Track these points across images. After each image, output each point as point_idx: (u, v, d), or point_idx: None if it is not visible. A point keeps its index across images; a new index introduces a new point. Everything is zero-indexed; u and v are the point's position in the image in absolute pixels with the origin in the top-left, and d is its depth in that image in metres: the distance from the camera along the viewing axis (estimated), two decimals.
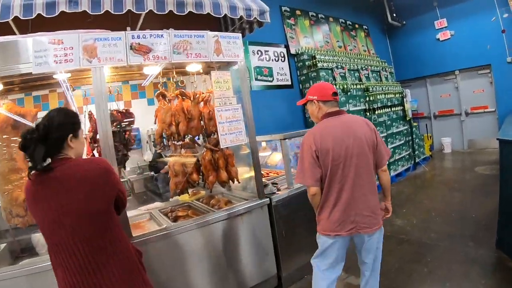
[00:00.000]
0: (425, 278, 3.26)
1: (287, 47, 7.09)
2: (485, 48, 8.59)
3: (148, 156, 5.23)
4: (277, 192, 3.46)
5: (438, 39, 9.54)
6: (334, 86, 6.35)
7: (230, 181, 3.42)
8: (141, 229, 3.06)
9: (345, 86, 6.69)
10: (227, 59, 3.12)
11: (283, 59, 7.02)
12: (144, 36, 2.69)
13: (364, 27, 9.54)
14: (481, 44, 8.65)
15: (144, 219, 3.41)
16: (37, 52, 2.34)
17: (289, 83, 7.06)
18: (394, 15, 9.61)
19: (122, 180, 4.55)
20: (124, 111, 3.43)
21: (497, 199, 3.53)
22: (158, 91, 3.32)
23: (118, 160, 3.17)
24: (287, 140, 3.59)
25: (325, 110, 2.34)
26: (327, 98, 2.34)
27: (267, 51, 6.74)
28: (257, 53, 6.58)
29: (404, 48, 10.40)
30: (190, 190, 3.62)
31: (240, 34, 3.22)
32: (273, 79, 6.77)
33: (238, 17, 3.36)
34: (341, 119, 2.31)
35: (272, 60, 6.83)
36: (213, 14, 3.12)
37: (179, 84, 3.44)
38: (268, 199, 3.31)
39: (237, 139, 3.10)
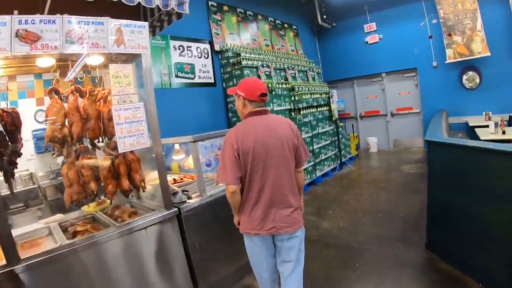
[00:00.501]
0: (354, 285, 3.15)
1: (211, 43, 6.78)
2: (412, 52, 9.02)
3: (62, 159, 4.57)
4: (187, 201, 3.11)
5: (367, 42, 9.84)
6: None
7: (136, 189, 3.03)
8: (37, 247, 2.67)
9: (270, 85, 6.54)
10: (130, 51, 2.71)
11: (206, 55, 6.69)
12: (33, 21, 2.24)
13: (294, 27, 9.54)
14: (409, 49, 9.09)
15: (43, 234, 2.94)
16: None
17: (212, 80, 6.77)
18: (325, 16, 9.68)
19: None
20: (9, 110, 2.85)
21: (423, 198, 3.55)
22: (50, 87, 2.81)
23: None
24: (198, 142, 3.27)
25: (250, 108, 2.32)
26: (254, 98, 2.30)
27: (190, 47, 6.38)
28: (179, 49, 6.19)
29: (333, 50, 10.60)
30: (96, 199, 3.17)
31: (147, 23, 2.81)
32: (195, 76, 6.44)
33: (154, 6, 3.01)
34: (265, 119, 2.32)
35: (195, 57, 6.49)
36: (124, 2, 2.75)
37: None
38: (176, 209, 2.96)
39: (138, 143, 2.71)
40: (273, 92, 6.57)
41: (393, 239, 3.92)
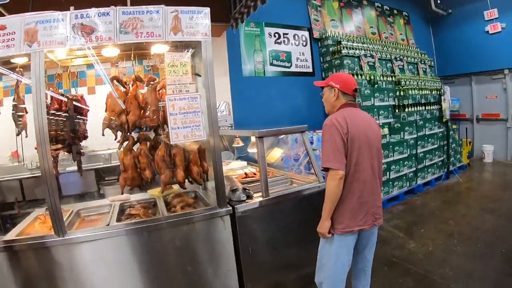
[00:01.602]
0: None
1: (310, 30, 6.38)
2: None
3: None
4: (246, 201, 2.87)
5: (487, 31, 8.20)
6: (360, 76, 5.82)
7: (195, 182, 2.92)
8: (92, 223, 2.90)
9: (372, 77, 5.91)
10: (187, 38, 2.54)
11: (304, 43, 6.33)
12: (87, 15, 2.36)
13: (404, 13, 8.46)
14: None
15: (104, 211, 3.09)
16: None
17: (310, 70, 6.39)
18: (439, 1, 8.35)
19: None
20: (72, 97, 2.99)
21: None
22: (112, 75, 2.85)
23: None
24: (264, 138, 2.98)
25: (343, 101, 2.31)
26: (348, 91, 2.30)
27: (286, 34, 6.09)
28: (274, 36, 5.97)
29: (448, 40, 9.09)
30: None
31: (208, 9, 2.61)
32: (291, 64, 6.15)
33: None
34: (360, 112, 2.33)
35: (292, 44, 6.18)
36: None
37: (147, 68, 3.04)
38: (230, 208, 2.74)
39: (192, 135, 2.55)
40: (376, 85, 5.94)
41: (487, 281, 3.12)
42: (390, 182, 5.78)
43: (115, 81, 2.81)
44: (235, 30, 5.06)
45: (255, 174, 3.79)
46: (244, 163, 4.49)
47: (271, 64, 5.85)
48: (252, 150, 4.18)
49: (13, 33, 2.29)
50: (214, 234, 2.73)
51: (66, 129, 2.98)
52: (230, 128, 5.07)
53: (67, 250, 2.38)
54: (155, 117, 2.76)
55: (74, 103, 3.04)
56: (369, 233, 2.29)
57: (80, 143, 3.19)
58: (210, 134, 2.64)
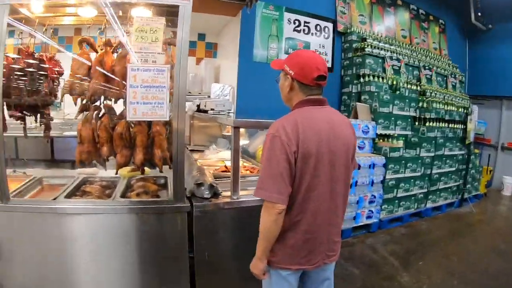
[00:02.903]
0: None
1: (334, 22, 5.85)
2: None
3: None
4: (210, 199, 2.46)
5: None
6: (382, 79, 5.31)
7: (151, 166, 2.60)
8: (46, 193, 2.76)
9: (395, 82, 5.42)
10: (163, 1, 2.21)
11: (326, 35, 5.82)
12: None
13: (440, 21, 7.74)
14: None
15: (67, 183, 2.80)
16: None
17: (329, 65, 5.86)
18: (480, 14, 7.50)
19: None
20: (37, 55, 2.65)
21: None
22: (81, 37, 2.56)
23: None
24: (241, 129, 2.56)
25: (300, 95, 1.67)
26: (306, 81, 1.63)
27: (308, 22, 5.60)
28: (294, 23, 5.48)
29: (485, 57, 8.21)
30: None
31: None
32: None
33: None
34: (326, 112, 1.67)
35: (312, 35, 5.67)
36: None
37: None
38: (188, 205, 2.35)
39: (153, 113, 2.17)
40: (397, 92, 5.44)
41: None
42: (396, 201, 5.26)
43: (84, 43, 2.50)
44: (249, 10, 4.62)
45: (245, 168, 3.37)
46: None
47: (286, 52, 5.37)
48: (243, 141, 3.79)
49: None
50: (165, 231, 2.37)
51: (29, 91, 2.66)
52: (229, 114, 4.71)
53: (7, 216, 2.22)
54: (121, 88, 2.40)
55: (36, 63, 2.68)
56: (319, 273, 1.76)
57: (47, 106, 2.84)
58: (174, 115, 2.23)
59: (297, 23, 5.50)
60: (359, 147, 4.96)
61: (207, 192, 2.46)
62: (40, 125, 2.92)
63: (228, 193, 2.53)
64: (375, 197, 4.84)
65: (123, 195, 2.52)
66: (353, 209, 4.63)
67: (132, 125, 2.45)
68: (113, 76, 2.41)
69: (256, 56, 5.16)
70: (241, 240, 2.53)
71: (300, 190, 1.56)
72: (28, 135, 2.81)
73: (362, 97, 5.47)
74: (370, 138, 5.10)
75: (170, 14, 2.31)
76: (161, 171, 2.54)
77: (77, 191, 2.63)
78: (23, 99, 2.47)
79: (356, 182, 4.56)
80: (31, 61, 2.52)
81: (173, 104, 2.21)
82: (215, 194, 2.52)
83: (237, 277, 2.55)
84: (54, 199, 2.35)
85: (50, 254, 2.26)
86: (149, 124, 2.45)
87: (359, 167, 4.54)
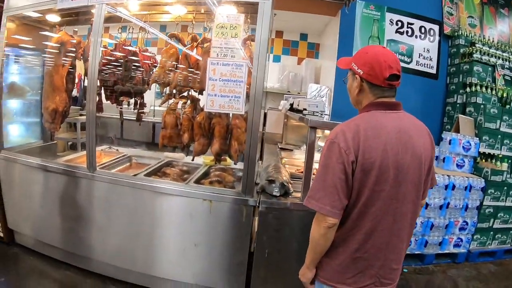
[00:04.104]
0: None
1: (441, 24, 5.34)
2: None
3: None
4: (278, 197, 2.46)
5: None
6: (490, 90, 4.79)
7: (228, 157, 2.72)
8: (134, 170, 3.14)
9: (506, 95, 4.76)
10: None
11: (431, 38, 5.32)
12: None
13: None
14: None
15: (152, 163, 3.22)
16: None
17: (434, 71, 5.35)
18: None
19: None
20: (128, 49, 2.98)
21: None
22: (171, 33, 2.82)
23: None
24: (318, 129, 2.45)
25: (370, 97, 1.47)
26: (377, 81, 1.42)
27: (411, 24, 5.20)
28: (396, 24, 5.14)
29: None
30: None
31: None
32: (411, 60, 5.23)
33: None
34: (397, 118, 1.44)
35: (416, 37, 5.25)
36: None
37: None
38: (252, 199, 2.40)
39: (229, 106, 2.26)
40: (508, 106, 4.75)
41: None
42: (491, 232, 4.59)
43: (173, 38, 2.76)
44: (348, 9, 4.51)
45: None
46: None
47: None
48: (321, 143, 3.70)
49: None
50: (230, 221, 2.46)
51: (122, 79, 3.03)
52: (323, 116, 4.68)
53: (92, 184, 2.66)
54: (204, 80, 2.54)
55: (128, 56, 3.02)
56: None
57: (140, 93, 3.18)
58: (250, 110, 2.29)
59: (399, 24, 5.16)
60: (457, 165, 4.48)
61: (276, 190, 2.47)
62: (134, 109, 3.28)
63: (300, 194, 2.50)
64: (467, 223, 4.30)
65: (197, 181, 2.69)
66: (440, 233, 4.18)
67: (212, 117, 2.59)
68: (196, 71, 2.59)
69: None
70: (303, 243, 2.43)
71: (356, 204, 1.39)
72: (124, 118, 3.16)
73: (467, 109, 4.91)
74: (471, 156, 4.54)
75: (255, 11, 2.35)
76: (235, 163, 2.64)
77: (158, 171, 2.94)
78: (117, 86, 2.83)
79: (448, 203, 4.12)
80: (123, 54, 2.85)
81: (252, 99, 2.26)
82: (286, 193, 2.51)
83: (293, 281, 2.49)
84: (135, 175, 2.67)
85: (122, 223, 2.64)
86: (229, 116, 2.56)
87: (454, 187, 4.10)
